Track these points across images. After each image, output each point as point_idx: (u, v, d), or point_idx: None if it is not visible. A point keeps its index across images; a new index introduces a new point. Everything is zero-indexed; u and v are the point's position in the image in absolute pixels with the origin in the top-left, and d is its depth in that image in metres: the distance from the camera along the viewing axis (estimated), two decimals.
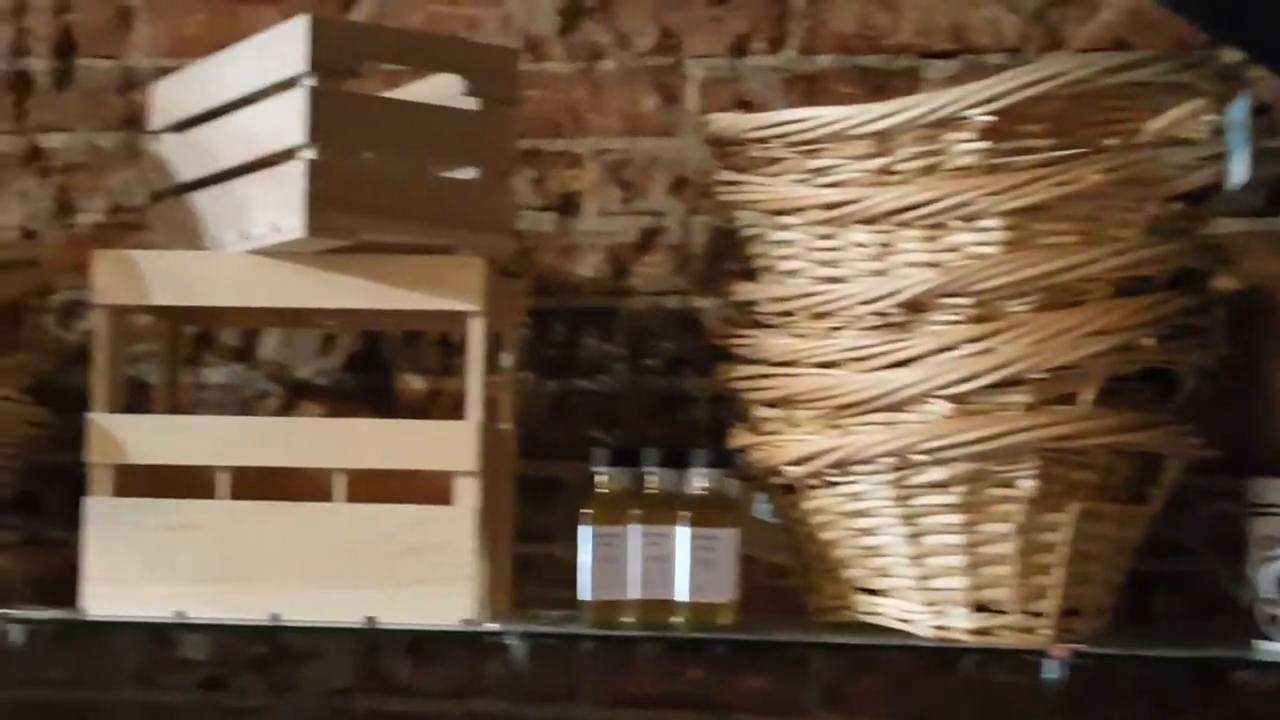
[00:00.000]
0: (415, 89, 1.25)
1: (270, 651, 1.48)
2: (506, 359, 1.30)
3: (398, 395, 1.53)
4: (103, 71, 1.57)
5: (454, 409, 1.49)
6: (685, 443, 1.24)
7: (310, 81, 1.13)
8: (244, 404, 1.50)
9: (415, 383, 1.53)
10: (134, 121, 1.58)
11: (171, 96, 1.30)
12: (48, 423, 1.28)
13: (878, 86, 1.45)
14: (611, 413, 1.48)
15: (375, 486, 1.20)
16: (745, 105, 1.46)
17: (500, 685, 1.46)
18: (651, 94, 1.50)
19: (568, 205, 1.50)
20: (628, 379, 1.49)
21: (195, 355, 1.51)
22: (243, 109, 1.21)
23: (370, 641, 1.44)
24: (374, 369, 1.55)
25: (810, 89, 1.47)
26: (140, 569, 1.19)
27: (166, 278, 1.21)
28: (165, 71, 1.59)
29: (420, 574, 1.17)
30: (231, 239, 1.22)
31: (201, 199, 1.26)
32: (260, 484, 1.20)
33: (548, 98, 1.49)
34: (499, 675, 1.45)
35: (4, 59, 1.55)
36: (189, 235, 1.27)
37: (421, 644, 1.45)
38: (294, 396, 1.54)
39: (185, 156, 1.28)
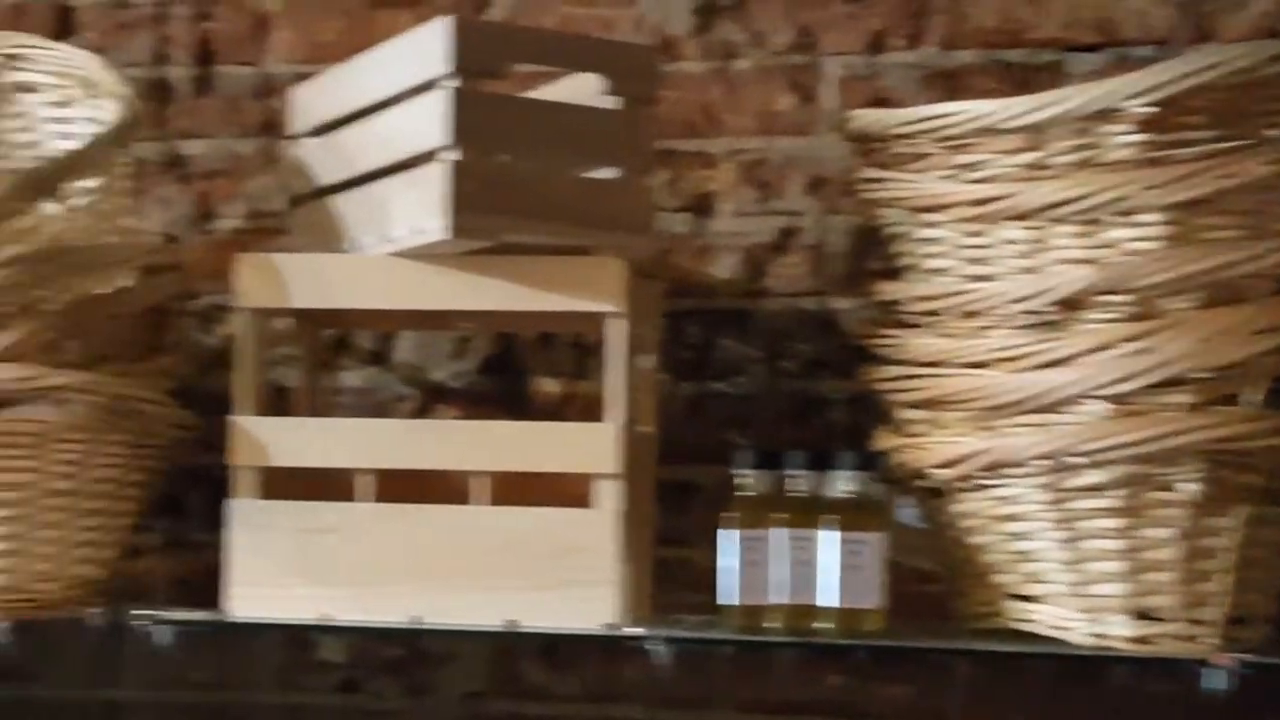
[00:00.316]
0: (553, 89, 1.24)
1: (406, 654, 1.48)
2: (645, 360, 1.29)
3: (532, 398, 1.53)
4: (241, 78, 1.58)
5: (588, 412, 1.48)
6: (822, 446, 1.22)
7: (453, 83, 1.12)
8: (379, 407, 1.51)
9: (549, 386, 1.52)
10: (272, 127, 1.59)
11: (312, 101, 1.31)
12: (193, 425, 1.29)
13: (1021, 81, 1.42)
14: (747, 415, 1.46)
15: (515, 489, 1.19)
16: (882, 102, 1.43)
17: (637, 690, 1.44)
18: (787, 92, 1.48)
19: (702, 206, 1.48)
20: (764, 381, 1.47)
21: (331, 359, 1.52)
22: (384, 111, 1.20)
23: (508, 645, 1.43)
24: (508, 372, 1.54)
25: (950, 85, 1.44)
26: (283, 571, 1.19)
27: (308, 280, 1.21)
28: (302, 77, 1.61)
29: (562, 577, 1.16)
30: (372, 241, 1.22)
31: (341, 202, 1.27)
32: (400, 486, 1.20)
33: (682, 98, 1.47)
34: (635, 680, 1.43)
35: (145, 67, 1.57)
36: (329, 238, 1.27)
37: (557, 647, 1.44)
38: (429, 400, 1.54)
39: (325, 160, 1.29)
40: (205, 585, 1.30)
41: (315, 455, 1.20)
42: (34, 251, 1.17)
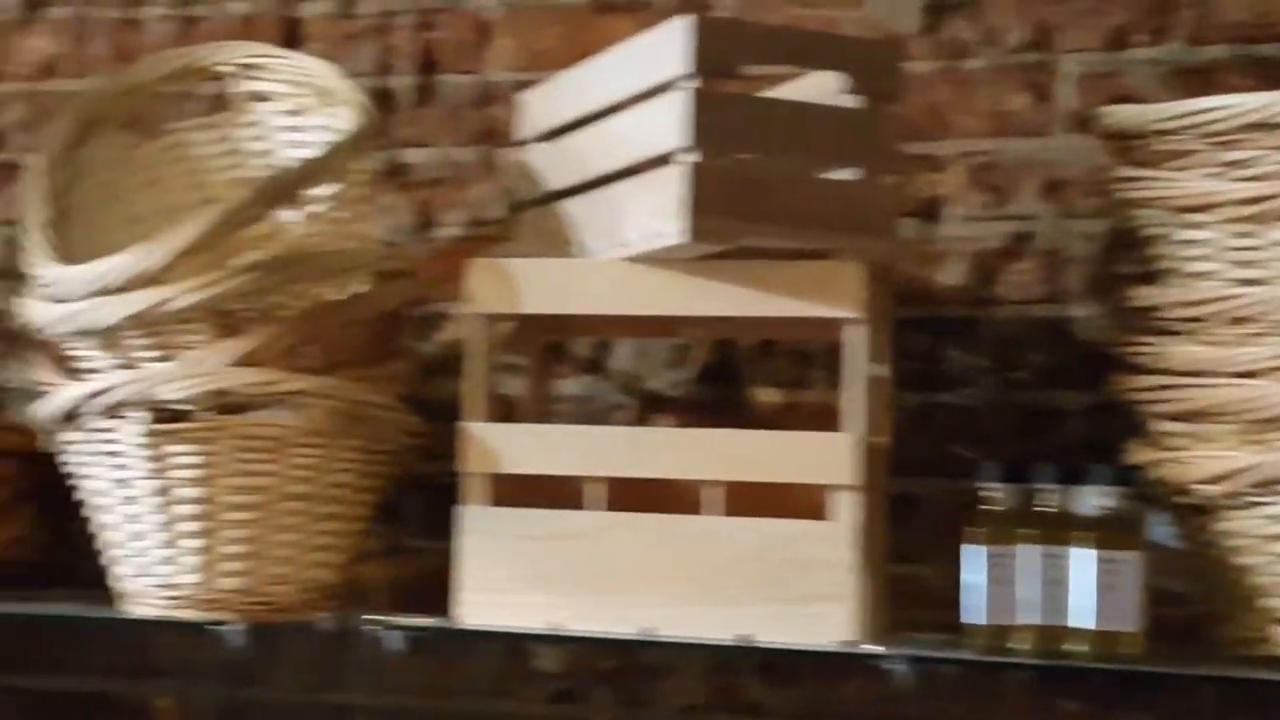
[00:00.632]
0: (788, 88, 1.21)
1: (623, 665, 1.46)
2: (880, 369, 1.25)
3: (750, 408, 1.50)
4: (462, 86, 1.59)
5: (809, 422, 1.45)
6: (1055, 460, 1.16)
7: (692, 83, 1.10)
8: (595, 415, 1.49)
9: (769, 395, 1.49)
10: (492, 135, 1.59)
11: (541, 106, 1.30)
12: (423, 432, 1.29)
13: (1276, 78, 1.34)
14: (975, 428, 1.41)
15: (745, 499, 1.16)
16: (1124, 101, 1.37)
17: (868, 710, 1.39)
18: (1021, 92, 1.43)
19: (930, 210, 1.44)
20: (993, 392, 1.42)
21: (547, 367, 1.51)
22: (619, 114, 1.19)
23: (729, 659, 1.40)
24: (727, 381, 1.52)
25: (1198, 81, 1.37)
26: (513, 578, 1.18)
27: (540, 285, 1.20)
28: (522, 85, 1.61)
29: (797, 591, 1.13)
30: (604, 246, 1.20)
31: (572, 207, 1.25)
32: (627, 494, 1.18)
33: (909, 98, 1.42)
34: (859, 698, 1.38)
35: (369, 76, 1.58)
36: (558, 243, 1.26)
37: (777, 663, 1.41)
38: (645, 408, 1.52)
39: (554, 165, 1.28)
40: (420, 591, 1.30)
41: (547, 462, 1.19)
42: (273, 258, 1.18)
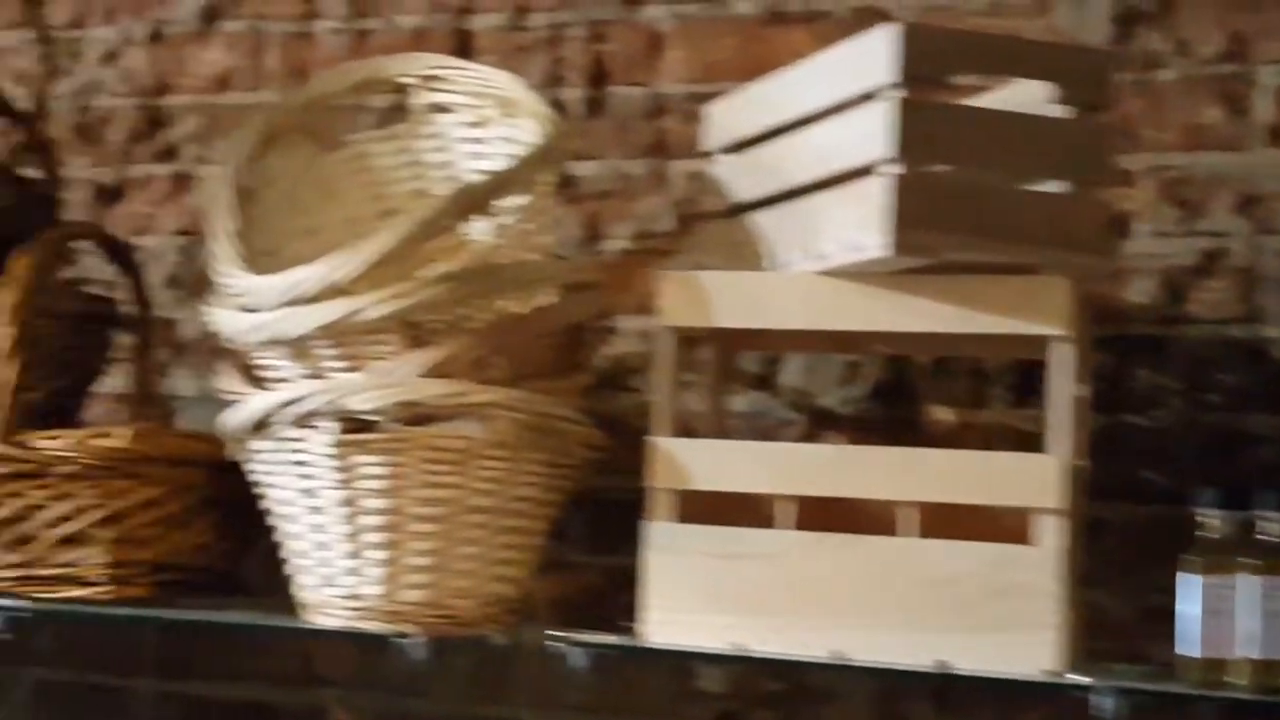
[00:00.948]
0: (991, 97, 1.17)
1: (787, 688, 1.44)
2: (1081, 389, 1.21)
3: (924, 427, 1.46)
4: (632, 99, 1.58)
5: (984, 442, 1.41)
6: (1249, 485, 1.12)
7: (897, 92, 1.07)
8: (764, 432, 1.47)
9: (943, 414, 1.46)
10: (662, 148, 1.58)
11: (728, 117, 1.28)
12: (604, 446, 1.27)
13: None
14: (1164, 451, 1.36)
15: (939, 521, 1.13)
16: None
17: None
18: (1216, 104, 1.38)
19: (1119, 226, 1.39)
20: (1183, 414, 1.37)
21: (725, 382, 1.49)
22: (817, 124, 1.16)
23: (895, 685, 1.37)
24: (899, 399, 1.48)
25: None
26: (699, 597, 1.16)
27: (733, 299, 1.18)
28: (695, 97, 1.59)
29: (998, 618, 1.09)
30: (797, 259, 1.18)
31: (762, 219, 1.23)
32: (817, 513, 1.15)
33: None
34: None
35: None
36: (745, 256, 1.24)
37: (947, 690, 1.37)
38: (815, 425, 1.50)
39: (743, 176, 1.26)
40: (583, 607, 1.28)
41: (738, 479, 1.17)
42: (465, 269, 1.17)
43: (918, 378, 1.47)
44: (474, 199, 1.17)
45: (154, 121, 1.76)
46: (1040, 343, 1.12)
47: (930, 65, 1.08)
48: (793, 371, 1.50)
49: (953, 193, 1.08)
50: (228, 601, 1.35)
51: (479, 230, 1.21)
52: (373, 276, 1.16)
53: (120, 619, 1.26)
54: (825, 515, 1.15)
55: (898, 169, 1.08)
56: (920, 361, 1.46)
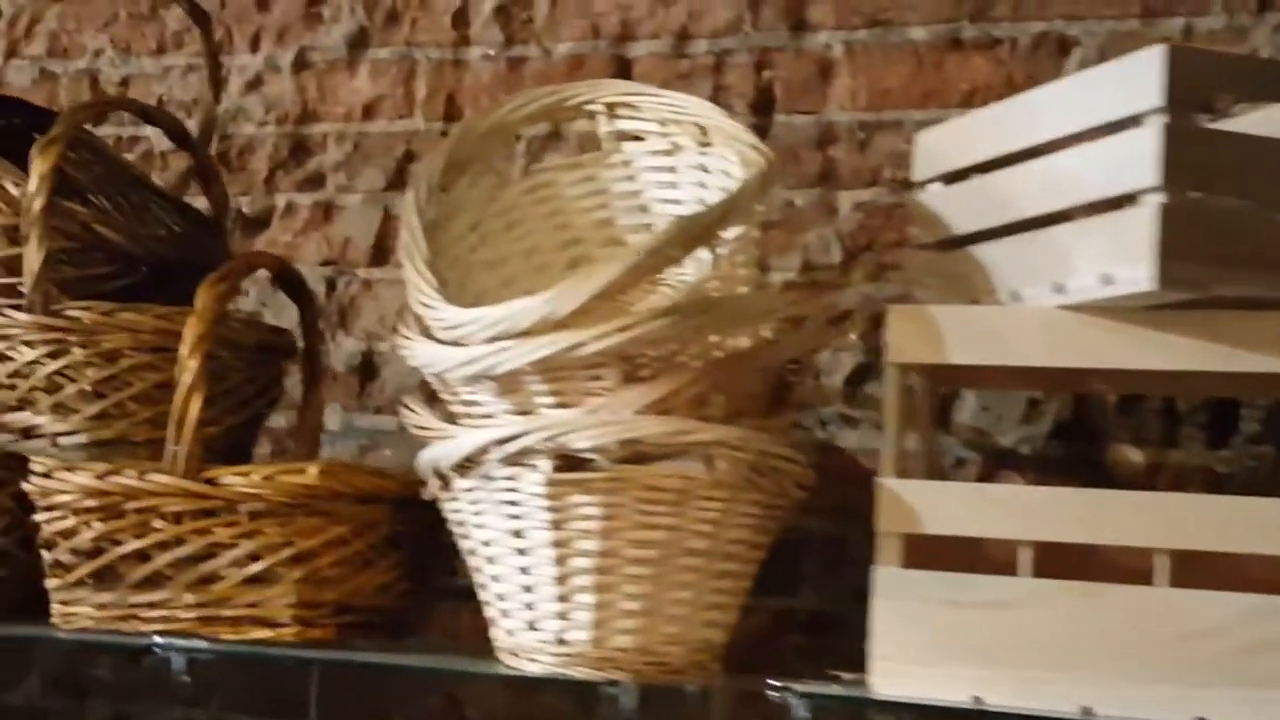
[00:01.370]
0: (1249, 120, 1.13)
1: None
2: None
3: (1110, 467, 1.41)
4: (799, 127, 1.54)
5: (1178, 485, 1.35)
6: None
7: (1163, 117, 1.02)
8: (939, 472, 1.42)
9: (1131, 455, 1.41)
10: (830, 177, 1.54)
11: (945, 145, 1.23)
12: (813, 486, 1.22)
13: None
14: None
15: (1192, 569, 1.07)
16: None
17: None
18: None
19: None
20: None
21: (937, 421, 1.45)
22: (1059, 152, 1.11)
23: None
24: (1083, 438, 1.43)
25: None
26: (932, 647, 1.10)
27: (969, 335, 1.12)
28: (865, 126, 1.55)
29: (1263, 675, 1.03)
30: (1038, 293, 1.12)
31: (988, 250, 1.18)
32: (1057, 559, 1.10)
33: None
34: None
35: None
36: (969, 289, 1.19)
37: None
38: (991, 465, 1.45)
39: (963, 207, 1.21)
40: (751, 651, 1.23)
41: (974, 523, 1.11)
42: (688, 302, 1.13)
43: (1103, 416, 1.42)
44: (699, 230, 1.13)
45: (298, 150, 1.73)
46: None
47: (1197, 89, 1.04)
48: (969, 409, 1.45)
49: (1221, 223, 1.03)
50: (406, 644, 1.30)
51: (698, 262, 1.16)
52: (592, 310, 1.11)
53: (306, 661, 1.21)
54: (1060, 561, 1.10)
55: (1163, 198, 1.02)
56: (1107, 399, 1.40)
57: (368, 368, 1.67)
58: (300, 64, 1.73)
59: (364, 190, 1.70)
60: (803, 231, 1.53)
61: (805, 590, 1.48)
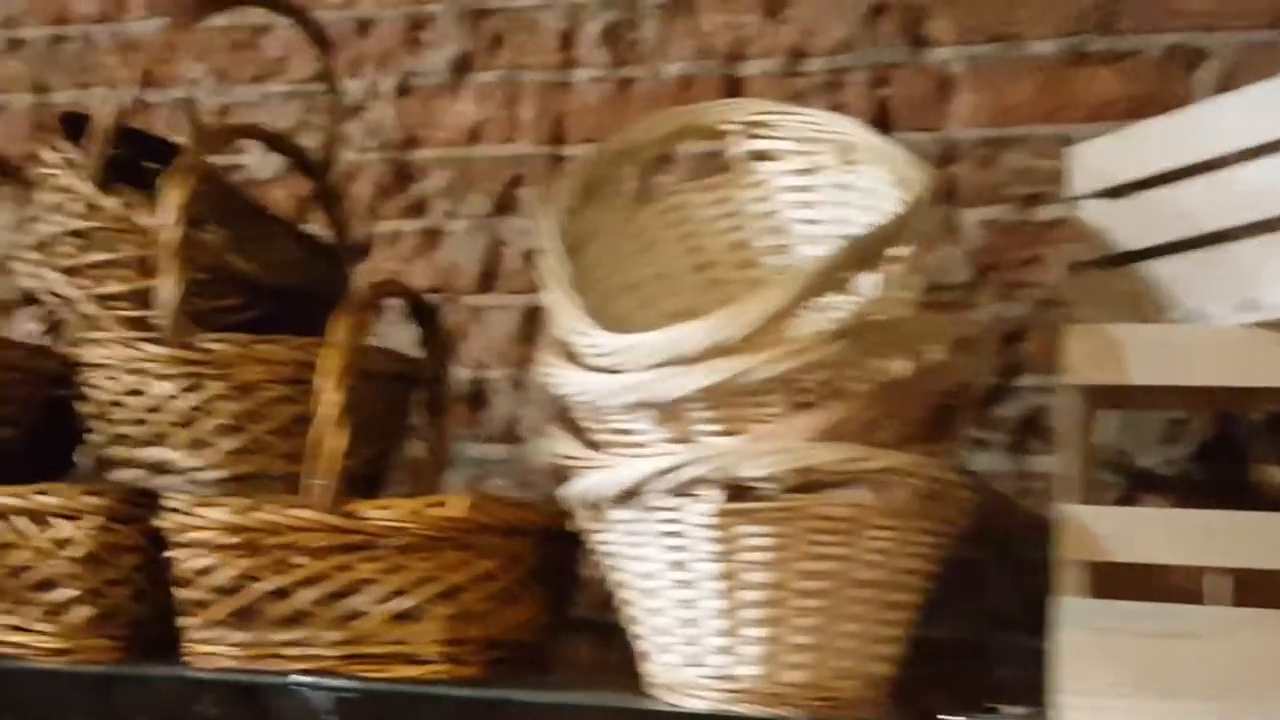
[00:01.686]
0: None
1: None
2: None
3: (1256, 488, 1.37)
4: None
5: None
6: None
7: None
8: (1092, 496, 1.38)
9: (1275, 475, 1.37)
10: (952, 195, 1.51)
11: (1107, 159, 1.20)
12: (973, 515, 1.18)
13: None
14: None
15: None
16: None
17: None
18: None
19: None
20: None
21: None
22: (1246, 164, 1.08)
23: None
24: (1228, 458, 1.39)
25: None
26: (1122, 681, 1.06)
27: (1153, 355, 1.09)
28: (988, 143, 1.52)
29: None
30: (1223, 311, 1.09)
31: (1160, 267, 1.14)
32: (1252, 587, 1.06)
33: None
34: None
35: None
36: (1136, 308, 1.15)
37: None
38: (1132, 488, 1.41)
39: (1129, 222, 1.17)
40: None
41: (1159, 550, 1.08)
42: (858, 325, 1.09)
43: (1248, 436, 1.39)
44: (868, 251, 1.10)
45: (402, 176, 1.70)
46: None
47: None
48: (1108, 430, 1.42)
49: None
50: (549, 680, 1.26)
51: (867, 284, 1.13)
52: (758, 335, 1.07)
53: (461, 700, 1.17)
54: (1259, 588, 1.06)
55: None
56: (1252, 419, 1.37)
57: (477, 396, 1.63)
58: (403, 89, 1.70)
59: (468, 216, 1.67)
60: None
61: (940, 618, 1.45)
